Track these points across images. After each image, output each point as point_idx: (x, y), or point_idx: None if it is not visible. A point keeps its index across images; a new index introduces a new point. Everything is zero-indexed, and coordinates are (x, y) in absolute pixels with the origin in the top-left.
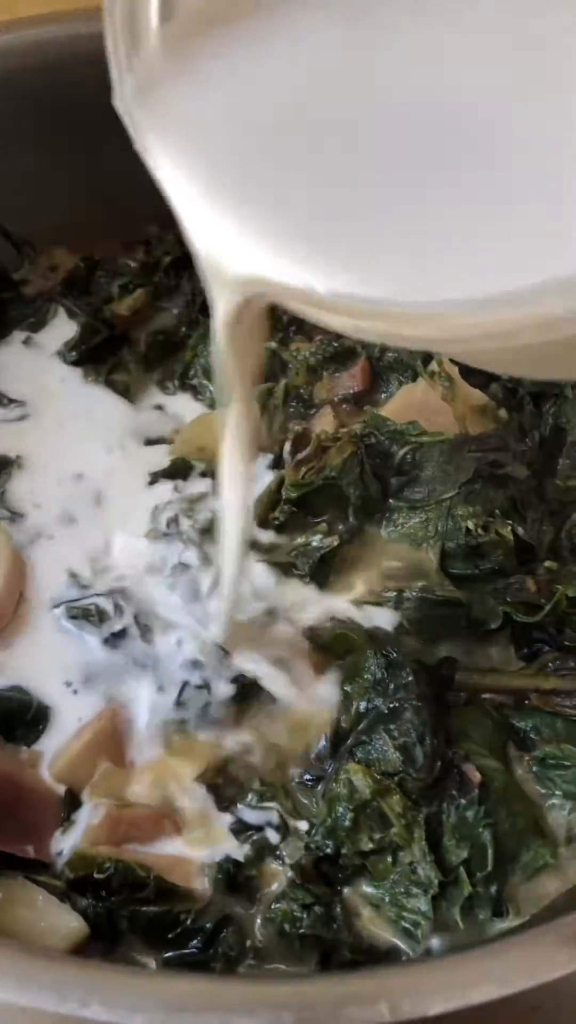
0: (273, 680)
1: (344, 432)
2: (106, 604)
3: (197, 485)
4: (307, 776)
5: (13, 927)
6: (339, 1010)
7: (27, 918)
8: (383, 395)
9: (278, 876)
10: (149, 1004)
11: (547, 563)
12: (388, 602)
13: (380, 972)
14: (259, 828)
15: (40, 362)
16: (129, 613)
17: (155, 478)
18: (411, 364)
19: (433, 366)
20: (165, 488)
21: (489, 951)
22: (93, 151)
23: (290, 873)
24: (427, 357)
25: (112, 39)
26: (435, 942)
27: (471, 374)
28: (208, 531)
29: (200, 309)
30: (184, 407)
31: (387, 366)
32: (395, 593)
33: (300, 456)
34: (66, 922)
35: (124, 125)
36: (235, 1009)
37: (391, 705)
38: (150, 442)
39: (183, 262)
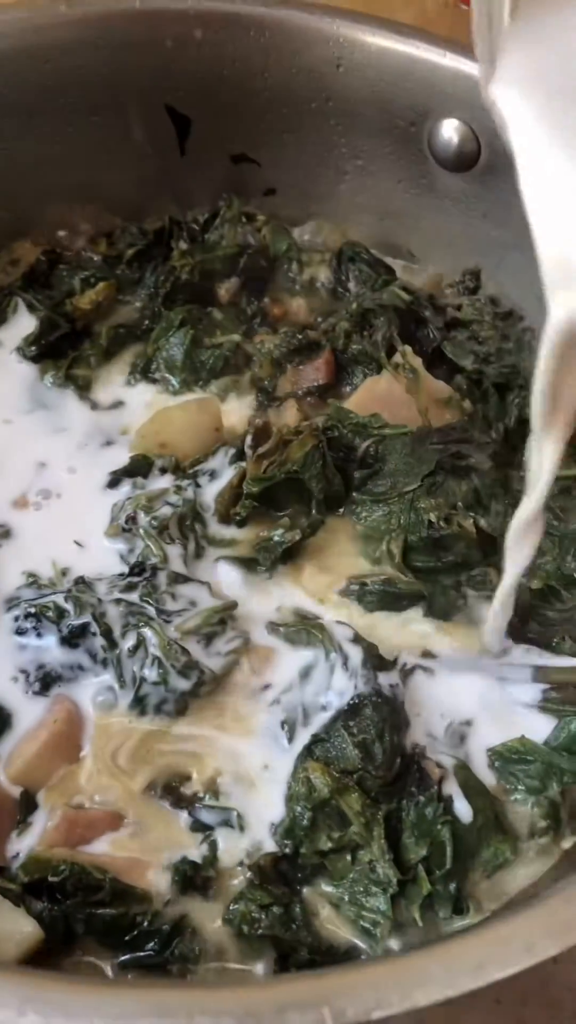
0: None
1: (306, 425)
2: (64, 603)
3: (157, 482)
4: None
5: None
6: (281, 1016)
7: None
8: (347, 388)
9: (236, 876)
10: (87, 1012)
11: None
12: (351, 595)
13: (326, 975)
14: (215, 827)
15: (1, 359)
16: (88, 612)
17: (115, 476)
18: (375, 356)
19: (397, 358)
20: (125, 486)
21: (436, 951)
22: (55, 142)
23: (248, 873)
24: (391, 349)
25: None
26: (393, 942)
27: (435, 366)
28: (166, 528)
29: (163, 301)
30: (145, 400)
31: (351, 358)
32: (358, 586)
33: (262, 450)
34: (20, 927)
35: (94, 114)
36: (175, 1016)
37: (350, 702)
38: (110, 441)
39: (146, 254)
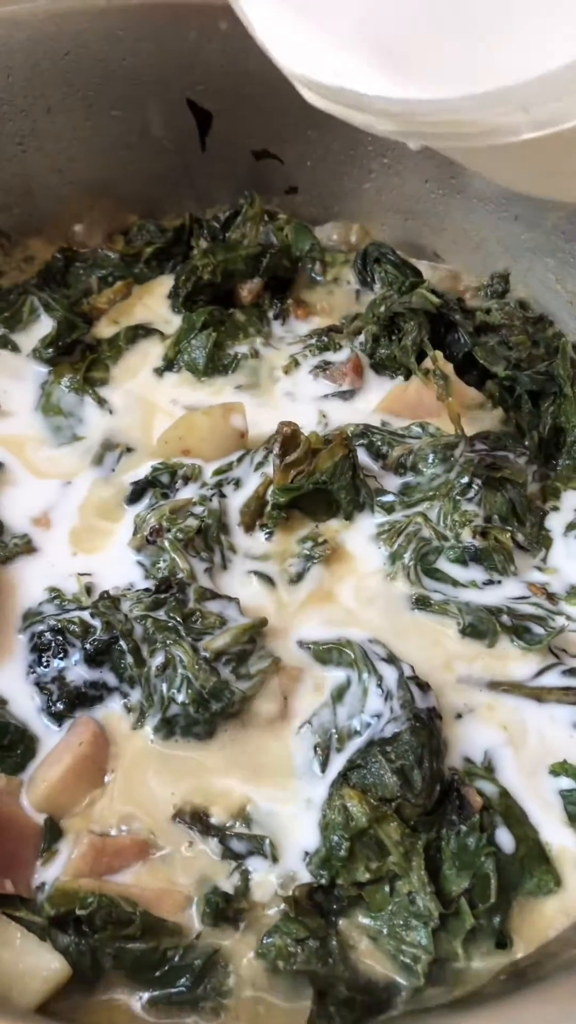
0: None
1: (336, 433)
2: (91, 620)
3: (180, 492)
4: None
5: None
6: None
7: (3, 959)
8: (375, 393)
9: (269, 908)
10: None
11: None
12: (380, 609)
13: None
14: (247, 856)
15: (16, 363)
16: (115, 629)
17: (137, 487)
18: (404, 362)
19: (427, 363)
20: (147, 497)
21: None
22: (73, 136)
23: (282, 905)
24: (421, 354)
25: None
26: (441, 978)
27: (465, 372)
28: (192, 541)
29: (184, 302)
30: (164, 405)
31: (379, 363)
32: (388, 601)
33: (289, 459)
34: (47, 963)
35: (113, 108)
36: None
37: (386, 726)
38: (130, 448)
39: (165, 252)
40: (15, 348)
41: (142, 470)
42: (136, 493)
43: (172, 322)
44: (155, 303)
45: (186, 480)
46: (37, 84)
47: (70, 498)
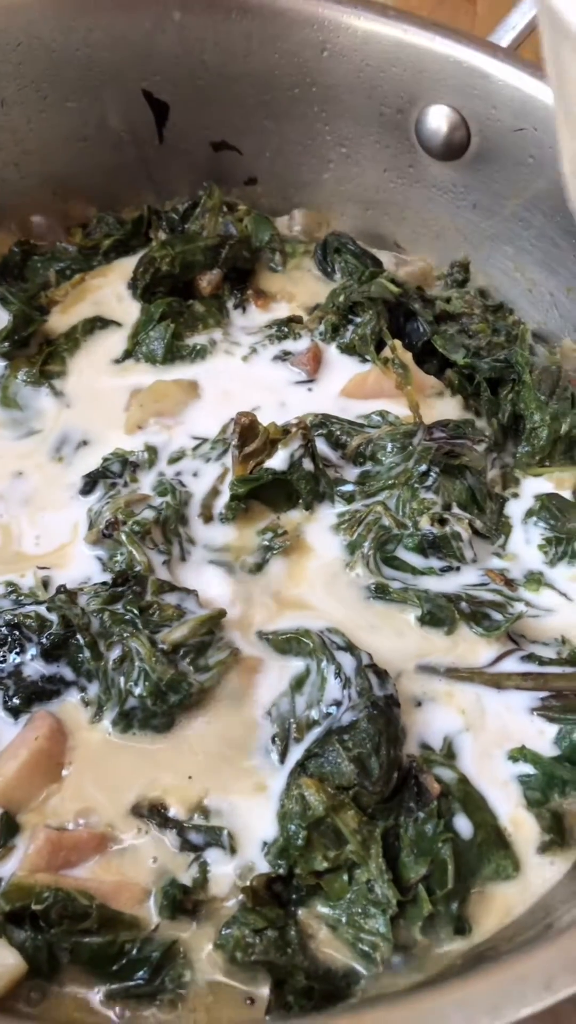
0: None
1: (295, 423)
2: (48, 614)
3: (132, 483)
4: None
5: None
6: None
7: None
8: (334, 382)
9: (228, 899)
10: None
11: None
12: (340, 599)
13: (336, 1018)
14: (205, 848)
15: None
16: (71, 623)
17: (89, 479)
18: (363, 351)
19: (386, 352)
20: (100, 489)
21: (449, 991)
22: (27, 129)
23: (241, 896)
24: (380, 343)
25: None
26: (396, 960)
27: (425, 360)
28: (149, 533)
29: (142, 294)
30: (122, 396)
31: (338, 352)
32: (348, 591)
33: (248, 449)
34: (2, 959)
35: (67, 100)
36: None
37: (344, 714)
38: (86, 442)
39: (124, 244)
40: None
41: (97, 462)
42: (88, 485)
43: (128, 307)
44: (110, 287)
45: (136, 468)
46: None
47: (23, 491)
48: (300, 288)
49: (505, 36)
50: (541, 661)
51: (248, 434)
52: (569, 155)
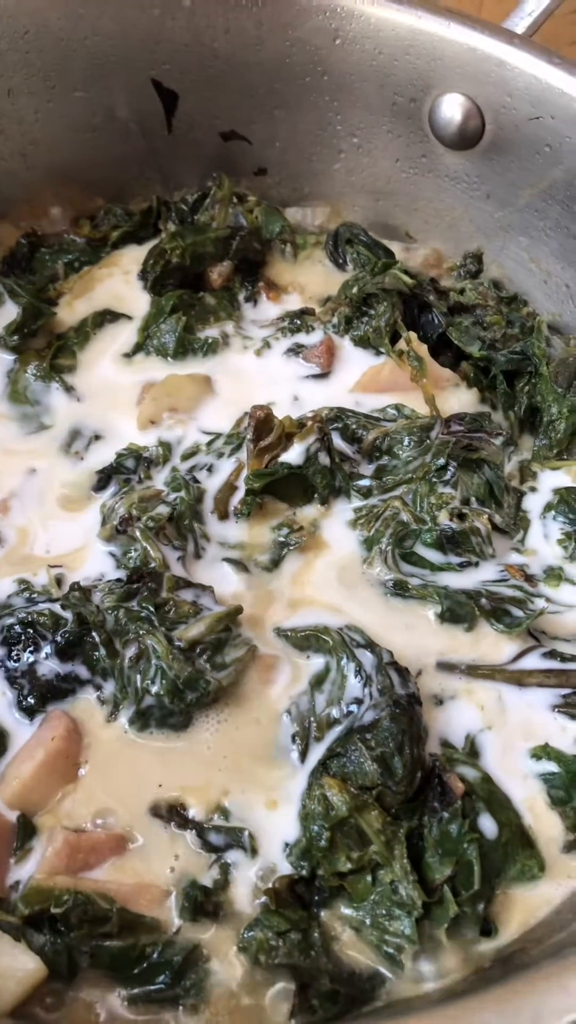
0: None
1: (310, 417)
2: (62, 612)
3: (146, 479)
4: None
5: None
6: None
7: None
8: (348, 375)
9: (249, 900)
10: None
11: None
12: (358, 597)
13: None
14: (225, 849)
15: None
16: (86, 621)
17: (103, 474)
18: (377, 343)
19: (401, 344)
20: (113, 485)
21: (488, 1001)
22: (35, 119)
23: (263, 898)
24: (395, 336)
25: None
26: (425, 967)
27: (440, 352)
28: (163, 529)
29: (153, 286)
30: (134, 391)
31: (352, 344)
32: (367, 587)
33: (263, 443)
34: (22, 964)
35: (75, 89)
36: None
37: (365, 713)
38: (98, 437)
39: (132, 236)
40: None
41: (109, 457)
42: (102, 481)
43: (138, 299)
44: (119, 277)
45: (149, 464)
46: None
47: (36, 487)
48: (311, 279)
49: (520, 23)
50: (563, 657)
51: (263, 428)
52: None
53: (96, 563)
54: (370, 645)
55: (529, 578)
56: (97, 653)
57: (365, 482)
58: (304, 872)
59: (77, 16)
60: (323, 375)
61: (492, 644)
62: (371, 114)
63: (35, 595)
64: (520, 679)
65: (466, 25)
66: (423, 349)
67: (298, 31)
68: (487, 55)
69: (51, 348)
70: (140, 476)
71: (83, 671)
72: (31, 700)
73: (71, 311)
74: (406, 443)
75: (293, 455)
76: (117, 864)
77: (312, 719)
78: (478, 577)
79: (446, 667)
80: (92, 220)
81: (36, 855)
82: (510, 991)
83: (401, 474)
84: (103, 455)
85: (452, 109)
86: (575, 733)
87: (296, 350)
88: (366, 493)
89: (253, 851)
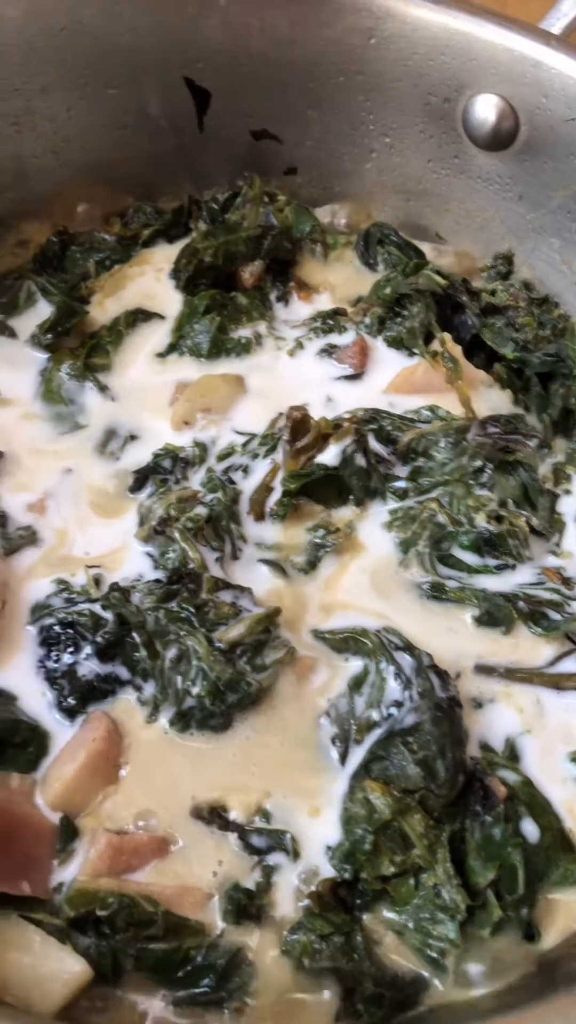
0: None
1: (346, 418)
2: (103, 612)
3: (183, 480)
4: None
5: (6, 975)
6: None
7: (23, 964)
8: (382, 375)
9: (292, 903)
10: None
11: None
12: (396, 599)
13: None
14: (267, 851)
15: (14, 350)
16: (127, 622)
17: (139, 475)
18: (411, 344)
19: (435, 346)
20: (149, 486)
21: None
22: (67, 116)
23: (306, 901)
24: (428, 336)
25: None
26: (470, 971)
27: (473, 354)
28: (201, 530)
29: (185, 286)
30: (168, 391)
31: (384, 345)
32: (404, 589)
33: (300, 444)
34: (68, 966)
35: (109, 87)
36: None
37: (406, 716)
38: (134, 437)
39: (163, 234)
40: (12, 334)
41: (145, 457)
42: (139, 481)
43: (170, 297)
44: (150, 274)
45: (186, 465)
46: (32, 62)
47: (72, 487)
48: (341, 279)
49: (557, 23)
50: None
51: (300, 429)
52: None
53: (134, 563)
54: (409, 648)
55: (566, 581)
56: (138, 654)
57: (401, 484)
58: (347, 875)
59: (113, 14)
60: (356, 376)
61: (530, 647)
62: (404, 114)
63: (74, 595)
64: (558, 682)
65: (502, 26)
66: (458, 351)
67: (333, 30)
68: (523, 56)
69: (85, 347)
70: (177, 477)
71: (123, 672)
72: (72, 701)
73: (102, 309)
74: (442, 445)
75: (329, 456)
76: (159, 866)
77: (352, 721)
78: (515, 580)
79: (484, 670)
80: (122, 218)
81: (79, 857)
82: (552, 1005)
83: (437, 476)
84: (138, 455)
85: (486, 110)
86: None
87: (329, 350)
88: (402, 495)
89: (295, 854)
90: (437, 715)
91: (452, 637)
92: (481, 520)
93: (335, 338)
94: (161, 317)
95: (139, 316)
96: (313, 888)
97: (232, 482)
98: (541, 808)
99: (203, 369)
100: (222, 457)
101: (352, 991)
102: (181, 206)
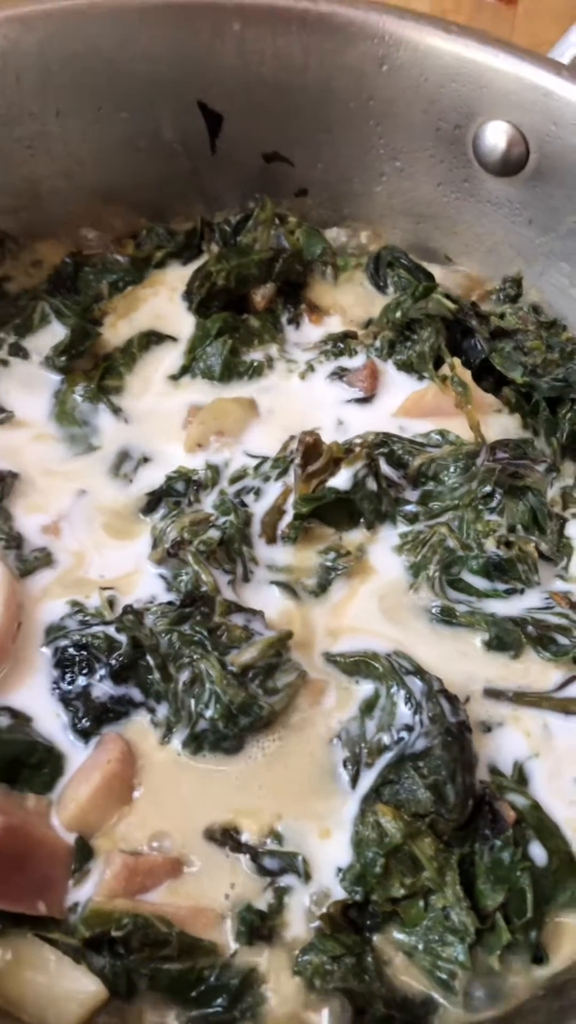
0: None
1: (358, 442)
2: (117, 635)
3: (195, 502)
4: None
5: (22, 994)
6: None
7: (39, 983)
8: (392, 398)
9: (304, 924)
10: None
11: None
12: (405, 624)
13: None
14: (279, 873)
15: (28, 371)
16: (141, 644)
17: (152, 497)
18: (421, 368)
19: (445, 370)
20: (162, 508)
21: None
22: (81, 139)
23: (317, 922)
24: (438, 361)
25: None
26: (478, 993)
27: (481, 378)
28: (214, 553)
29: (197, 308)
30: (181, 413)
31: (394, 369)
32: (413, 615)
33: (311, 468)
34: (84, 986)
35: (122, 110)
36: None
37: (417, 740)
38: (147, 459)
39: (175, 256)
40: (26, 355)
41: (158, 480)
42: (152, 503)
43: (182, 320)
44: (163, 295)
45: (199, 488)
46: (48, 87)
47: (86, 509)
48: (352, 302)
49: (567, 52)
50: None
51: (312, 453)
52: None
53: (148, 586)
54: (419, 672)
55: (574, 605)
56: (151, 676)
57: (411, 508)
58: (358, 897)
59: (128, 39)
60: (366, 399)
61: (539, 672)
62: (415, 139)
63: (88, 617)
64: (566, 707)
65: (512, 55)
66: (467, 375)
67: (345, 57)
68: (533, 84)
69: (98, 369)
70: (190, 499)
71: (136, 694)
72: (86, 722)
73: (115, 331)
74: (452, 469)
75: (341, 480)
76: (173, 887)
77: (363, 745)
78: (523, 604)
79: (493, 694)
80: (135, 239)
81: (94, 877)
82: None
83: (447, 500)
84: (151, 478)
85: (496, 136)
86: None
87: (340, 373)
88: (412, 519)
89: (307, 876)
90: (447, 740)
91: (462, 661)
92: (491, 545)
93: (346, 361)
94: (173, 339)
95: (152, 338)
96: (324, 910)
97: (244, 505)
98: (549, 832)
99: (215, 392)
100: (234, 480)
101: (363, 1012)
102: (193, 228)
